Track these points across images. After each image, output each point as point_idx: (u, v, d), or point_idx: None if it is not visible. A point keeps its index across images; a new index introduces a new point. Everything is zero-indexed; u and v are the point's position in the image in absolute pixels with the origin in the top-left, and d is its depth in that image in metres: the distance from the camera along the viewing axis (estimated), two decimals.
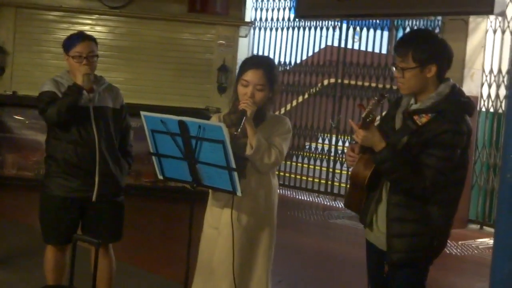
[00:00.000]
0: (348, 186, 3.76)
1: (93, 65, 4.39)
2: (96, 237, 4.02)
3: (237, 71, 10.91)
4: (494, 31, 9.24)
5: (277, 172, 4.07)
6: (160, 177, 3.82)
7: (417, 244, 3.37)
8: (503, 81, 9.22)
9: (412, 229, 3.35)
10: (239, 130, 3.61)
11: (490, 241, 8.59)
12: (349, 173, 3.59)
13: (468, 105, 3.40)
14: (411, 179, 3.26)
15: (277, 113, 4.08)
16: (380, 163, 3.31)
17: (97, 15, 10.51)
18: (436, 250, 3.44)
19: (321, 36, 11.60)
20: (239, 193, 3.49)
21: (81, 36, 4.44)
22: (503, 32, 9.20)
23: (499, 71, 9.22)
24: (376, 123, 3.46)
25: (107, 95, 4.51)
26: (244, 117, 3.64)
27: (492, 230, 9.20)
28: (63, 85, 4.37)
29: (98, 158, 4.39)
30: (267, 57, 4.40)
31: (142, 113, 3.65)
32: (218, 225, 3.84)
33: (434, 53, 3.36)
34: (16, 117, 10.11)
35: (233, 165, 3.41)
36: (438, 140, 3.25)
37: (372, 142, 3.33)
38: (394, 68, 3.45)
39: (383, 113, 3.91)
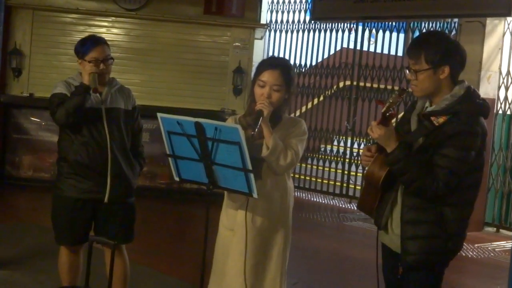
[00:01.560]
0: (362, 186, 3.74)
1: (109, 68, 4.43)
2: (108, 238, 4.04)
3: (252, 73, 10.95)
4: None
5: (292, 175, 4.06)
6: (177, 178, 3.83)
7: (432, 246, 3.35)
8: None
9: (427, 231, 3.33)
10: (256, 130, 3.61)
11: (506, 244, 8.55)
12: (364, 172, 3.57)
13: (483, 106, 3.38)
14: (424, 180, 3.24)
15: (292, 115, 4.07)
16: (392, 164, 3.31)
17: (113, 17, 10.54)
18: (451, 252, 3.41)
19: (336, 38, 11.59)
20: (255, 195, 3.49)
21: (96, 41, 4.46)
22: (504, 34, 9.15)
23: None
24: (393, 120, 3.44)
25: (119, 96, 4.53)
26: (261, 118, 3.64)
27: (508, 233, 9.16)
28: (74, 86, 4.39)
29: (110, 159, 4.40)
30: (284, 58, 4.39)
31: (159, 114, 3.66)
32: (233, 226, 3.84)
33: (446, 54, 3.35)
34: (33, 118, 10.18)
35: (250, 167, 3.41)
36: (452, 141, 3.23)
37: (387, 140, 3.31)
38: (407, 71, 3.44)
39: (400, 115, 3.89)
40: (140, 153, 4.67)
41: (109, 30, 10.28)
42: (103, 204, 4.44)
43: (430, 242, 3.34)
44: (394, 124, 3.52)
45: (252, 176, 3.43)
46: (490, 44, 9.18)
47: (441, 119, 3.31)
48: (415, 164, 3.26)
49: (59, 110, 4.29)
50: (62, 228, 4.51)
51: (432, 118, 3.34)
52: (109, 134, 4.41)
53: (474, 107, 3.33)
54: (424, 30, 10.20)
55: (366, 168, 3.50)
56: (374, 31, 11.26)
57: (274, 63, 3.90)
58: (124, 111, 4.52)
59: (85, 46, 4.43)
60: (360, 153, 11.08)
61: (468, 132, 3.24)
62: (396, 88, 10.50)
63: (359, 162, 11.09)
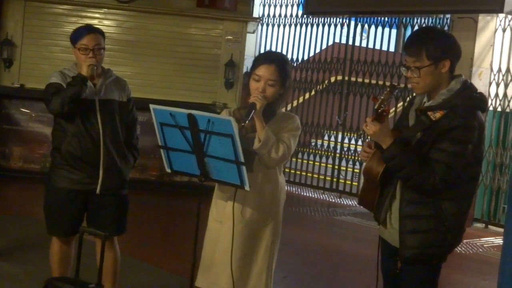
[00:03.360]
0: (362, 182, 3.74)
1: (100, 57, 4.39)
2: (100, 230, 4.04)
3: (244, 67, 10.93)
4: (504, 30, 9.22)
5: (282, 169, 4.06)
6: (168, 170, 3.83)
7: (431, 240, 3.35)
8: (511, 80, 9.20)
9: (425, 225, 3.34)
10: (247, 121, 3.61)
11: (495, 240, 8.59)
12: (362, 168, 3.58)
13: (480, 100, 3.39)
14: (420, 175, 3.24)
15: (283, 110, 4.09)
16: (388, 160, 3.31)
17: (105, 9, 10.50)
18: (450, 246, 3.42)
19: (329, 33, 11.59)
20: (247, 187, 3.49)
21: (88, 29, 4.45)
22: (504, 30, 9.17)
23: (508, 70, 9.21)
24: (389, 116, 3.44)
25: (113, 88, 4.51)
26: (253, 110, 3.64)
27: (497, 229, 9.20)
28: (69, 77, 4.37)
29: (102, 150, 4.39)
30: (281, 53, 4.39)
31: (152, 106, 3.66)
32: (222, 218, 3.85)
33: (446, 48, 3.36)
34: (23, 110, 10.14)
35: (242, 159, 3.41)
36: (449, 135, 3.24)
37: (382, 137, 3.32)
38: (405, 69, 3.41)
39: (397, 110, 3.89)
40: (134, 145, 4.66)
41: (101, 22, 10.24)
42: (95, 195, 4.43)
43: (429, 236, 3.35)
44: (394, 120, 3.52)
45: (244, 168, 3.44)
46: (481, 40, 9.22)
47: (438, 114, 3.31)
48: (411, 159, 3.27)
49: (54, 99, 4.27)
50: (54, 219, 4.50)
51: (429, 113, 3.34)
52: (102, 126, 4.39)
53: (471, 101, 3.34)
54: (416, 26, 10.21)
55: (364, 164, 3.51)
56: (366, 26, 11.28)
57: (270, 58, 3.89)
58: (119, 102, 4.50)
59: (77, 33, 4.42)
60: (351, 148, 11.16)
61: (465, 126, 3.24)
62: (387, 83, 10.52)
63: (349, 157, 11.12)
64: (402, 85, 10.27)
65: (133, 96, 4.65)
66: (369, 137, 3.49)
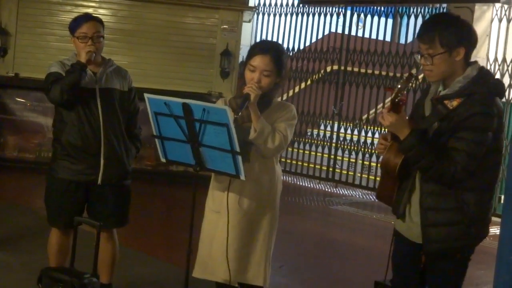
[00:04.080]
0: (380, 176, 3.69)
1: (99, 45, 4.36)
2: (101, 221, 4.02)
3: (240, 56, 10.84)
4: (500, 20, 9.19)
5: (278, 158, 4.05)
6: (163, 160, 3.81)
7: (454, 233, 3.28)
8: (507, 70, 9.19)
9: (448, 218, 3.27)
10: (239, 114, 3.59)
11: (491, 230, 8.58)
12: (380, 161, 3.52)
13: (497, 86, 3.32)
14: (440, 165, 3.18)
15: (279, 99, 4.07)
16: (406, 151, 3.25)
17: None
18: (475, 238, 3.34)
19: (325, 22, 11.55)
20: (242, 177, 3.48)
21: (87, 17, 4.42)
22: (509, 21, 9.16)
23: (504, 60, 9.19)
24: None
25: (114, 77, 4.48)
26: (247, 101, 3.62)
27: (494, 218, 9.19)
28: (69, 67, 4.34)
29: (103, 140, 4.37)
30: (276, 42, 4.34)
31: (146, 95, 3.63)
32: (219, 209, 3.83)
33: (461, 36, 3.29)
34: (18, 99, 10.09)
35: (237, 149, 3.40)
36: (468, 123, 3.17)
37: (399, 128, 3.26)
38: (418, 56, 3.35)
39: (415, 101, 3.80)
40: (136, 135, 4.63)
41: (96, 11, 10.16)
42: (97, 186, 4.40)
43: (452, 229, 3.28)
44: (409, 111, 3.47)
45: (239, 158, 3.42)
46: (478, 30, 9.07)
47: (455, 102, 3.24)
48: (429, 149, 3.21)
49: (54, 88, 4.24)
50: (55, 210, 4.48)
51: (446, 101, 3.26)
52: (102, 115, 4.36)
53: (488, 88, 3.26)
54: (412, 16, 10.19)
55: (382, 157, 3.44)
56: (362, 15, 11.25)
57: (265, 47, 3.85)
58: (120, 92, 4.47)
59: (75, 22, 4.39)
60: (347, 138, 11.15)
61: (483, 113, 3.17)
62: (384, 73, 10.51)
63: (345, 146, 11.11)
64: (398, 75, 10.25)
65: None
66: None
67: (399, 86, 3.23)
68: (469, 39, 3.32)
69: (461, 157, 3.17)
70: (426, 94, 3.50)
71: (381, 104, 10.84)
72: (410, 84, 3.39)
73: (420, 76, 10.09)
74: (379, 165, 10.63)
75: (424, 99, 3.49)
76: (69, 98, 4.25)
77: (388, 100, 10.63)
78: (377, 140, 10.82)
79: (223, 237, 3.77)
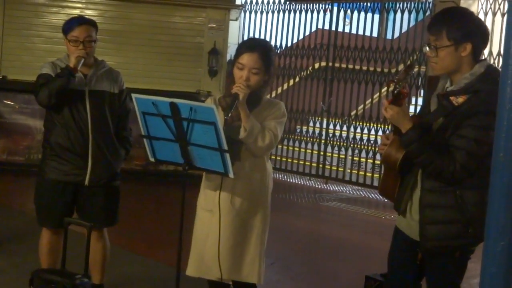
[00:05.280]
0: (382, 171, 3.66)
1: (90, 49, 4.37)
2: (90, 221, 4.03)
3: (228, 54, 10.83)
4: (485, 13, 9.23)
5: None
6: (152, 159, 3.81)
7: (451, 231, 3.25)
8: (494, 63, 9.23)
9: (446, 216, 3.24)
10: (229, 114, 3.60)
11: None
12: (382, 156, 3.49)
13: None
14: (440, 162, 3.15)
15: (268, 96, 4.08)
16: (406, 145, 3.23)
17: None
18: (473, 238, 3.27)
19: (312, 19, 11.58)
20: (231, 175, 3.49)
21: (80, 20, 4.43)
22: (494, 14, 9.21)
23: (490, 53, 9.23)
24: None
25: (105, 79, 4.48)
26: (236, 101, 3.62)
27: None
28: (60, 68, 4.35)
29: (91, 141, 4.38)
30: (264, 40, 4.36)
31: (134, 95, 3.64)
32: (212, 207, 3.83)
33: (469, 31, 3.23)
34: (6, 101, 10.06)
35: (225, 147, 3.41)
36: (470, 121, 3.13)
37: (401, 121, 3.23)
38: (427, 48, 3.33)
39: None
40: (126, 137, 4.63)
41: (83, 12, 10.14)
42: (84, 187, 4.42)
43: (449, 227, 3.25)
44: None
45: (227, 156, 3.43)
46: None
47: (460, 99, 3.20)
48: (430, 145, 3.18)
49: (42, 91, 4.26)
50: (44, 211, 4.50)
51: (451, 98, 3.22)
52: (91, 117, 4.37)
53: (495, 86, 3.09)
54: (399, 11, 10.22)
55: (383, 151, 3.41)
56: (349, 12, 11.28)
57: (253, 45, 3.85)
58: (109, 94, 4.47)
59: (68, 25, 4.39)
60: (336, 134, 11.18)
61: (487, 112, 3.07)
62: (371, 69, 10.55)
63: (335, 142, 11.14)
64: (385, 70, 10.29)
65: None
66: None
67: (397, 77, 3.22)
68: (477, 36, 3.27)
69: (461, 156, 3.13)
70: (434, 90, 3.45)
71: (369, 100, 10.89)
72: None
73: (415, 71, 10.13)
74: (369, 160, 10.73)
75: (431, 95, 3.45)
76: (57, 102, 4.26)
77: (376, 96, 10.68)
78: (366, 136, 10.87)
79: (217, 235, 3.78)
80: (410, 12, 10.18)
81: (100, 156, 4.41)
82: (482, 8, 9.26)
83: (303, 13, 11.63)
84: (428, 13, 9.91)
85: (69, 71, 4.24)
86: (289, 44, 11.90)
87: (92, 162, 4.39)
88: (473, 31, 3.25)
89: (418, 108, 10.02)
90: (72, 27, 4.35)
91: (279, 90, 12.07)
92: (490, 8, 9.21)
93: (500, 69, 2.48)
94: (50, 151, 4.41)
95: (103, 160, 4.44)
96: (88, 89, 4.38)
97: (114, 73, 4.58)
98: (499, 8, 9.17)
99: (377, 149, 10.35)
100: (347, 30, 11.33)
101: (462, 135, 3.15)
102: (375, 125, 10.43)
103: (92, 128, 4.37)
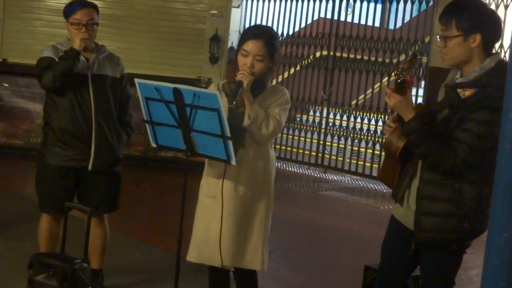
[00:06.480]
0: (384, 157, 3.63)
1: (93, 33, 4.35)
2: (92, 207, 4.02)
3: (229, 41, 10.79)
4: (497, 6, 9.16)
5: None
6: (154, 145, 3.80)
7: (446, 225, 3.24)
8: (504, 57, 9.19)
9: (442, 208, 3.22)
10: (234, 102, 3.59)
11: None
12: (383, 142, 3.47)
13: None
14: (440, 154, 3.13)
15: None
16: (407, 135, 3.21)
17: None
18: (468, 233, 3.26)
19: (314, 7, 11.53)
20: (233, 162, 3.48)
21: (82, 3, 4.39)
22: (497, 6, 9.17)
23: (501, 46, 9.18)
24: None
25: (106, 63, 4.46)
26: (241, 88, 3.61)
27: None
28: (62, 52, 4.32)
29: (94, 127, 4.36)
30: (268, 27, 4.34)
31: (137, 80, 3.62)
32: (215, 193, 3.82)
33: (478, 22, 3.19)
34: (6, 85, 10.03)
35: (228, 134, 3.40)
36: (475, 115, 3.10)
37: (403, 110, 3.21)
38: (438, 38, 3.30)
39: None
40: (127, 122, 4.62)
41: None
42: (87, 172, 4.40)
43: (445, 220, 3.23)
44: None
45: (230, 143, 3.42)
46: None
47: (468, 92, 3.17)
48: (431, 136, 3.16)
49: (46, 74, 4.23)
50: (45, 196, 4.47)
51: (459, 90, 3.20)
52: (94, 101, 4.35)
53: (503, 82, 3.06)
54: (401, 1, 10.18)
55: (385, 137, 3.40)
56: (351, 1, 11.23)
57: (257, 32, 3.84)
58: (112, 78, 4.46)
59: (70, 7, 4.36)
60: (336, 123, 11.17)
61: (492, 107, 3.05)
62: (373, 58, 10.52)
63: (334, 132, 11.13)
64: (387, 60, 10.27)
65: None
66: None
67: (401, 66, 3.18)
68: (487, 27, 3.22)
69: (463, 149, 3.11)
70: (442, 80, 3.43)
71: (370, 90, 10.86)
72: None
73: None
74: (368, 150, 10.72)
75: (441, 85, 3.42)
76: (61, 85, 4.24)
77: (377, 86, 10.66)
78: (366, 126, 10.86)
79: (219, 222, 3.77)
80: (413, 2, 10.14)
81: (103, 141, 4.40)
82: (486, 1, 9.21)
83: (305, 1, 11.59)
84: (431, 3, 9.87)
85: (74, 53, 4.22)
86: (290, 32, 11.85)
87: (96, 147, 4.37)
88: (483, 22, 3.21)
89: (419, 99, 10.04)
90: (75, 9, 4.32)
91: (280, 78, 12.04)
92: (494, 0, 9.17)
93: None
94: (52, 136, 4.39)
95: (106, 145, 4.42)
96: (90, 73, 4.36)
97: (114, 58, 4.57)
98: (502, 0, 9.12)
99: (377, 139, 10.35)
100: (349, 19, 11.30)
101: (466, 129, 3.12)
102: (375, 115, 10.41)
103: (95, 112, 4.35)
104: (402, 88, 3.19)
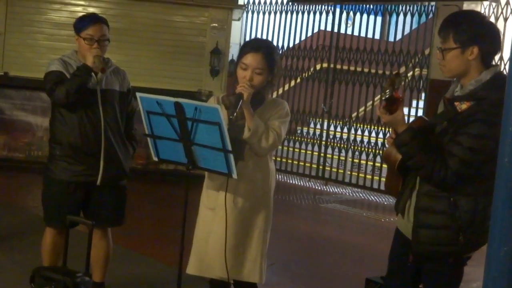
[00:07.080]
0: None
1: (104, 48, 4.37)
2: (98, 221, 4.02)
3: (229, 54, 10.82)
4: (497, 18, 9.20)
5: None
6: (155, 159, 3.82)
7: (442, 237, 3.23)
8: (504, 69, 9.23)
9: (438, 221, 3.22)
10: (234, 114, 3.61)
11: None
12: (383, 154, 3.52)
13: None
14: (431, 166, 3.13)
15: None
16: (398, 147, 3.23)
17: None
18: (465, 246, 3.24)
19: (314, 20, 11.57)
20: (235, 176, 3.49)
21: (94, 19, 4.41)
22: (497, 19, 9.19)
23: (501, 58, 9.21)
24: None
25: (114, 78, 4.48)
26: (241, 101, 3.63)
27: None
28: (71, 66, 4.33)
29: (103, 141, 4.36)
30: (267, 40, 4.39)
31: (138, 94, 3.65)
32: (214, 206, 3.83)
33: (475, 34, 3.19)
34: (7, 98, 10.04)
35: (229, 147, 3.41)
36: (468, 129, 3.10)
37: (395, 126, 3.25)
38: (437, 51, 3.31)
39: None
40: (133, 135, 4.63)
41: (86, 9, 10.13)
42: (96, 187, 4.40)
43: (439, 233, 3.22)
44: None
45: (231, 156, 3.43)
46: None
47: (464, 105, 3.16)
48: (422, 149, 3.16)
49: (59, 89, 4.22)
50: (53, 211, 4.45)
51: (456, 103, 3.20)
52: (104, 116, 4.36)
53: (499, 94, 2.97)
54: (401, 14, 10.22)
55: (385, 149, 3.46)
56: (351, 13, 11.27)
57: (256, 46, 3.87)
58: (119, 93, 4.48)
59: (82, 22, 4.37)
60: (337, 135, 11.17)
61: (484, 121, 3.06)
62: (373, 71, 10.54)
63: (335, 144, 11.14)
64: (387, 72, 10.29)
65: None
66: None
67: (384, 85, 3.22)
68: (485, 39, 3.22)
69: (454, 163, 3.11)
70: (446, 92, 3.42)
71: (370, 102, 10.88)
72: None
73: (409, 74, 10.14)
74: (369, 162, 10.72)
75: (442, 97, 3.41)
76: (74, 101, 4.24)
77: (377, 98, 10.68)
78: (367, 138, 10.85)
79: (220, 235, 3.78)
80: (412, 15, 10.18)
81: (112, 155, 4.40)
82: (485, 12, 9.23)
83: (306, 14, 11.62)
84: (430, 16, 9.91)
85: (86, 69, 4.23)
86: (290, 45, 11.88)
87: (104, 161, 4.37)
88: (480, 35, 3.22)
89: (419, 111, 10.05)
90: (87, 25, 4.34)
91: (280, 90, 12.06)
92: (493, 12, 9.21)
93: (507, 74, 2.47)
94: (61, 151, 4.37)
95: (115, 160, 4.43)
96: (99, 89, 4.37)
97: (121, 72, 4.59)
98: (501, 12, 9.15)
99: (377, 151, 10.36)
100: (349, 31, 11.33)
101: (458, 142, 3.12)
102: (375, 127, 10.43)
103: (104, 127, 4.36)
104: (392, 105, 3.22)
